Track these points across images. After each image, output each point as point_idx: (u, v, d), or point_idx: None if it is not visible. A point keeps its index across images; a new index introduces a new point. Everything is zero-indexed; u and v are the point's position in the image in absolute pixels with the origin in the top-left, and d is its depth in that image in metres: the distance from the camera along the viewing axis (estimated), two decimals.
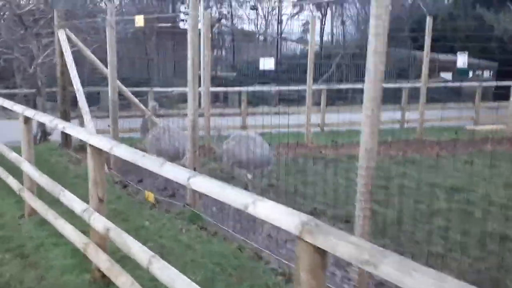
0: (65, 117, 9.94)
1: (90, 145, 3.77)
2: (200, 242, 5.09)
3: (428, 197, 6.77)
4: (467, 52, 15.61)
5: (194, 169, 5.85)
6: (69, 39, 9.24)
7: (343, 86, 18.64)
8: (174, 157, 7.20)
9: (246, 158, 6.70)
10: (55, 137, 10.98)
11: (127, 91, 9.46)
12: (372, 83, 3.52)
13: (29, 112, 5.22)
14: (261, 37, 34.26)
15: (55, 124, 4.63)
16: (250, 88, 15.53)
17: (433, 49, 11.98)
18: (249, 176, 6.96)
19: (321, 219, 2.12)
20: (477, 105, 14.41)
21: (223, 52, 30.47)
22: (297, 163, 9.46)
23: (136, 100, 10.01)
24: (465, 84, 17.32)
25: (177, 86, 21.84)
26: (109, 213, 5.71)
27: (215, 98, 20.32)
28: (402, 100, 13.85)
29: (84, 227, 4.35)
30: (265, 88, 17.81)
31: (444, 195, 7.04)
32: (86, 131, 3.99)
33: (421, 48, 11.49)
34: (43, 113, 5.39)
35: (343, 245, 1.91)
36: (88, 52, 9.56)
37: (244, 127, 12.73)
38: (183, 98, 18.78)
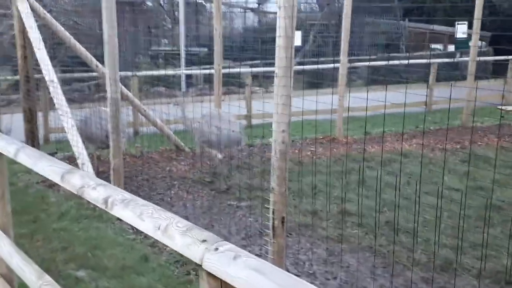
0: (31, 118, 7.31)
1: (208, 273, 1.45)
2: None
3: None
4: (466, 22, 13.84)
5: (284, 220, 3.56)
6: (33, 11, 6.60)
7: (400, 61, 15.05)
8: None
9: (215, 137, 6.27)
10: None
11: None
12: None
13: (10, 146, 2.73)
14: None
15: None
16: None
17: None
18: (219, 156, 6.55)
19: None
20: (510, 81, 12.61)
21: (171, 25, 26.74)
22: (351, 170, 7.06)
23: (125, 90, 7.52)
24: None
25: (143, 68, 18.93)
26: None
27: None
28: (430, 77, 11.85)
29: None
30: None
31: None
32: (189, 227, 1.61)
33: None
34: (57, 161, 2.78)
35: None
36: (59, 28, 6.96)
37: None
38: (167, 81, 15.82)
